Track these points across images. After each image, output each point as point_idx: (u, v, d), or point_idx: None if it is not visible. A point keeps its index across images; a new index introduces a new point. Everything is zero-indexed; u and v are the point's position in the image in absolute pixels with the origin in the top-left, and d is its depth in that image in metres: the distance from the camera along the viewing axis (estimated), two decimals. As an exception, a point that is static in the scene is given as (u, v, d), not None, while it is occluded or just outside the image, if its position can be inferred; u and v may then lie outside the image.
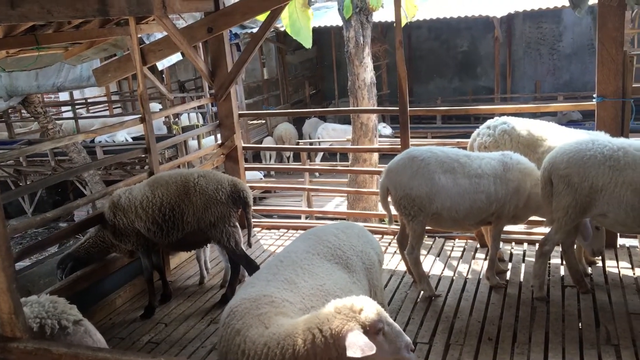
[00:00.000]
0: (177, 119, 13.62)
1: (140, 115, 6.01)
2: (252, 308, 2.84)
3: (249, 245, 5.39)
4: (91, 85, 10.28)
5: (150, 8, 5.53)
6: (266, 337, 2.67)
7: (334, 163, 14.59)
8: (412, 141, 9.27)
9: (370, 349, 2.43)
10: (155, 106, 14.95)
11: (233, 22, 6.58)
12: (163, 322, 5.20)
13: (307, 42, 9.36)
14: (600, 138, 4.60)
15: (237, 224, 5.21)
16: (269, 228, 7.38)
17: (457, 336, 4.54)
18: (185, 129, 13.16)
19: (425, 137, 15.93)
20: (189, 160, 8.08)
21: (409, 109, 6.40)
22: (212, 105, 12.66)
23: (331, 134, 15.63)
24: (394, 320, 4.74)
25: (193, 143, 13.24)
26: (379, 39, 17.47)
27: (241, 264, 5.27)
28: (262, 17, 7.10)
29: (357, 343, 2.44)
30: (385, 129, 15.46)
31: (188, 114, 14.56)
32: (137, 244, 5.14)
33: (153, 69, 12.79)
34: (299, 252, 3.41)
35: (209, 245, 5.84)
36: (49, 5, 4.53)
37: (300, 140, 16.07)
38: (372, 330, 2.54)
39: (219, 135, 7.76)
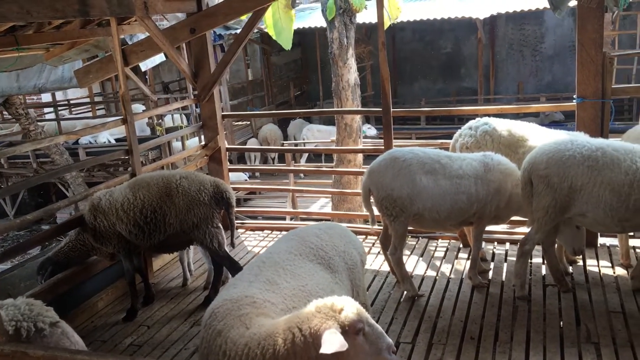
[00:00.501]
0: (160, 120, 13.54)
1: (122, 117, 5.97)
2: (233, 309, 2.83)
3: (232, 246, 5.38)
4: (73, 86, 10.20)
5: (132, 9, 5.50)
6: (247, 337, 2.66)
7: (319, 164, 14.61)
8: (396, 142, 9.33)
9: (342, 346, 2.43)
10: (138, 107, 14.84)
11: (216, 23, 6.57)
12: (145, 325, 5.16)
13: (287, 44, 9.37)
14: (579, 138, 4.66)
15: (220, 225, 5.20)
16: (253, 229, 7.36)
17: (440, 335, 4.56)
18: (169, 130, 13.08)
19: (410, 138, 16.00)
20: (172, 161, 8.02)
21: (392, 109, 6.43)
22: (196, 107, 12.61)
23: (316, 135, 15.64)
24: (377, 320, 4.82)
25: (177, 144, 13.17)
26: (363, 40, 17.52)
27: (224, 265, 5.25)
28: (246, 18, 7.10)
29: (330, 340, 2.44)
30: (370, 130, 15.51)
31: (172, 115, 14.48)
32: (118, 246, 5.10)
33: (136, 70, 12.71)
34: (282, 252, 3.41)
35: (192, 246, 5.82)
36: (28, 6, 4.49)
37: (285, 142, 16.05)
38: (351, 330, 2.54)
39: (202, 137, 7.73)
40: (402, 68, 20.36)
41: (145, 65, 13.20)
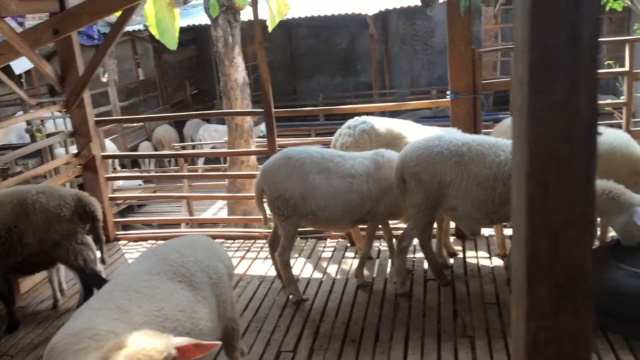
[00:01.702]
0: (41, 127, 12.64)
1: (-26, 127, 5.43)
2: (72, 343, 2.57)
3: (102, 262, 5.03)
4: None
5: (-22, 9, 5.01)
6: None
7: (216, 166, 14.25)
8: (288, 140, 9.20)
9: None
10: (8, 111, 13.82)
11: (81, 23, 6.15)
12: (8, 354, 4.72)
13: (172, 44, 9.01)
14: (446, 135, 4.74)
15: (86, 240, 4.84)
16: (136, 240, 6.98)
17: (322, 340, 4.49)
18: (51, 137, 12.24)
19: (309, 135, 15.99)
20: (39, 173, 7.36)
21: (274, 110, 6.32)
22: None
23: (213, 135, 15.24)
24: (259, 329, 4.68)
25: (60, 151, 12.35)
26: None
27: (93, 284, 4.90)
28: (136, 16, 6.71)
29: None
30: (268, 129, 15.33)
31: (54, 120, 13.59)
32: (-32, 272, 4.62)
33: (9, 72, 11.81)
34: (137, 273, 3.16)
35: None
36: None
37: (176, 144, 15.38)
38: None
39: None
40: (300, 64, 20.32)
41: (20, 67, 12.32)
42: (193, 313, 3.10)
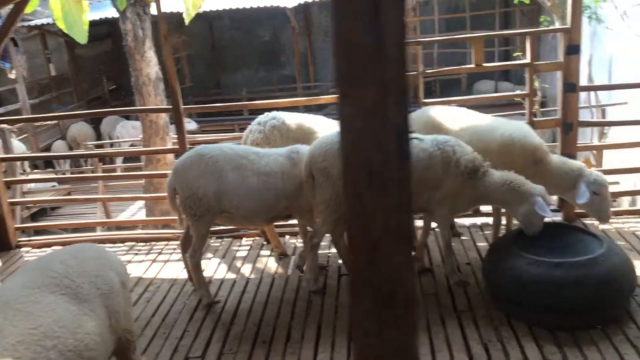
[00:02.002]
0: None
1: None
2: None
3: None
4: None
5: None
6: None
7: (135, 164, 13.75)
8: (200, 137, 8.95)
9: None
10: None
11: (-33, 17, 5.72)
12: None
13: (82, 38, 8.56)
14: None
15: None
16: (40, 247, 6.60)
17: (232, 344, 4.37)
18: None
19: (233, 130, 15.74)
20: None
21: (182, 107, 6.13)
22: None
23: (131, 132, 14.70)
24: (167, 335, 4.51)
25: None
26: (176, 30, 16.81)
27: (-16, 298, 4.56)
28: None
29: None
30: (190, 124, 14.95)
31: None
32: None
33: None
34: (15, 288, 2.92)
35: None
36: None
37: (92, 143, 14.73)
38: None
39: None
40: (223, 57, 19.98)
41: None
42: (78, 328, 2.90)
